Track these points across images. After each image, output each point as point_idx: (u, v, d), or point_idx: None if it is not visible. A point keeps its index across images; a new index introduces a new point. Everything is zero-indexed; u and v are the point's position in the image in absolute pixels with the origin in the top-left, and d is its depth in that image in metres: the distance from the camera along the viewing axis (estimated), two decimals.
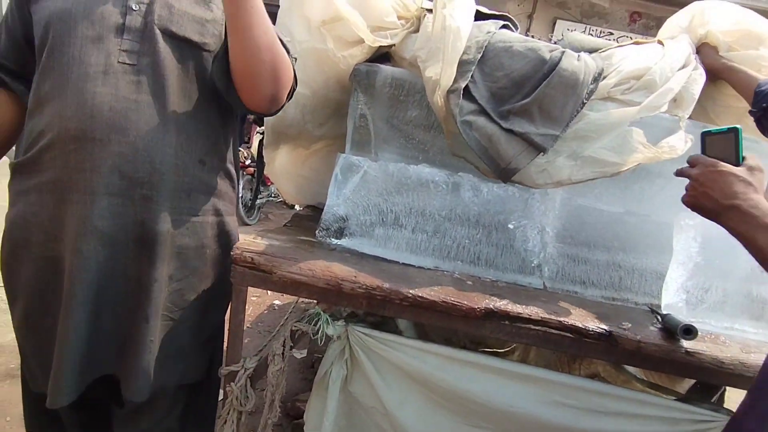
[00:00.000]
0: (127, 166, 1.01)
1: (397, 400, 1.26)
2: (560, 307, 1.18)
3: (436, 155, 1.39)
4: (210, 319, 1.24)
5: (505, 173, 1.15)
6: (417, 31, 1.35)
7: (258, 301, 3.38)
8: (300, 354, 2.71)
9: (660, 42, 1.32)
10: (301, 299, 2.07)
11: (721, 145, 0.85)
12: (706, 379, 1.26)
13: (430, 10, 1.30)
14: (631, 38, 6.41)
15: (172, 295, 1.12)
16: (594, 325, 1.11)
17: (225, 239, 1.21)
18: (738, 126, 0.84)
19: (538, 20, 6.85)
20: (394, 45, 1.38)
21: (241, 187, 5.14)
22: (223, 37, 1.08)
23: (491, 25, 1.25)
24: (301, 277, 1.13)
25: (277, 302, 3.39)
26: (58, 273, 1.05)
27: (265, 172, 4.64)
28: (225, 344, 1.27)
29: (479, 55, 1.17)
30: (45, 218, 1.03)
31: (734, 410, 1.21)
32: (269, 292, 3.50)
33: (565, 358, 1.81)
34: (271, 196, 6.05)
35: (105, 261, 1.04)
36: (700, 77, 1.25)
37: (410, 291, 1.10)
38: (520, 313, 1.11)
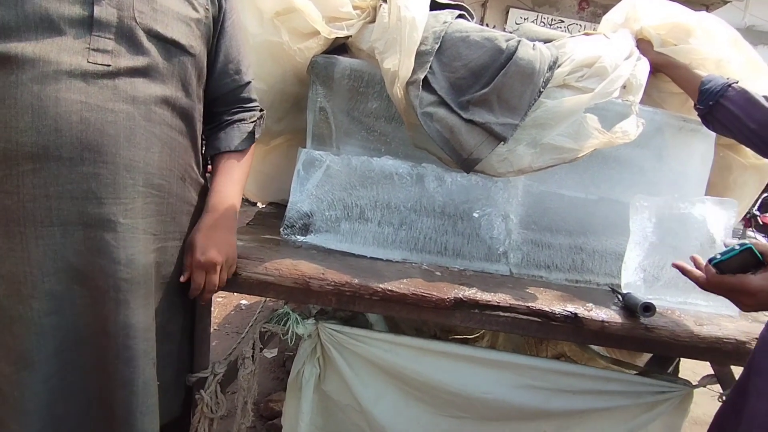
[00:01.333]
0: (105, 191, 0.85)
1: (372, 396, 1.25)
2: (527, 292, 1.21)
3: (398, 147, 1.39)
4: (188, 346, 1.15)
5: (467, 163, 1.16)
6: (373, 21, 1.33)
7: (224, 302, 3.30)
8: (270, 354, 2.68)
9: (605, 35, 1.36)
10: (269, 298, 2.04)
11: (738, 260, 0.86)
12: (664, 353, 1.32)
13: (385, 0, 1.28)
14: (580, 26, 6.62)
15: (156, 333, 0.98)
16: (560, 308, 1.14)
17: None
18: (750, 244, 0.85)
19: (492, 8, 6.94)
20: (351, 36, 1.35)
21: None
22: (209, 39, 1.00)
23: (447, 15, 1.25)
24: (267, 278, 1.11)
25: (244, 302, 3.32)
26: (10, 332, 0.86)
27: None
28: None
29: (437, 46, 1.16)
30: None
31: (688, 379, 1.29)
32: (235, 292, 3.42)
33: (532, 341, 1.85)
34: None
35: (85, 306, 0.88)
36: (645, 66, 1.30)
37: (379, 285, 1.10)
38: (489, 301, 1.12)
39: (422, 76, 1.15)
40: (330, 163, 1.28)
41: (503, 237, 1.34)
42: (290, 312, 1.18)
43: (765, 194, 6.25)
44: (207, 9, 1.00)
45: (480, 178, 1.30)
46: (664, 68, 1.37)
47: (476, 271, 1.32)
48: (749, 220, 6.10)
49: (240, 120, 1.12)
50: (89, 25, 0.84)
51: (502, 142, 1.16)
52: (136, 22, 0.87)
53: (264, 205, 2.00)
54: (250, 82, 1.14)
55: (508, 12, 6.90)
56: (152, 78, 0.90)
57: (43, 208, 0.83)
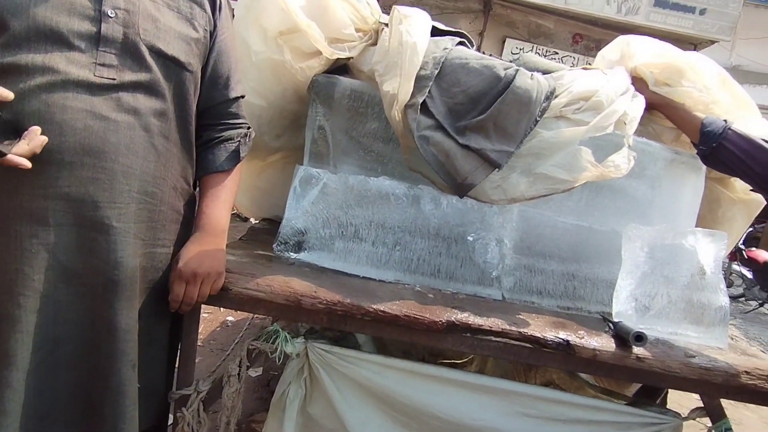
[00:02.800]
0: (102, 195, 0.89)
1: (358, 420, 1.23)
2: (519, 318, 1.20)
3: (395, 168, 1.39)
4: (172, 355, 1.15)
5: (461, 189, 1.17)
6: (375, 44, 1.36)
7: (210, 317, 3.24)
8: (255, 372, 2.62)
9: (602, 71, 1.39)
10: (256, 315, 2.00)
11: None
12: (655, 383, 1.31)
13: (387, 24, 1.31)
14: (574, 58, 6.79)
15: (140, 335, 1.00)
16: (552, 334, 1.13)
17: None
18: None
19: (489, 38, 7.11)
20: (353, 57, 1.37)
21: None
22: (204, 56, 1.04)
23: (448, 42, 1.27)
24: (258, 293, 1.09)
25: (230, 318, 3.26)
26: None
27: None
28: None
29: (436, 71, 1.18)
30: None
31: (678, 411, 1.29)
32: (222, 308, 3.37)
33: (521, 367, 1.84)
34: None
35: (68, 304, 0.91)
36: (641, 103, 1.33)
37: (372, 306, 1.09)
38: (481, 325, 1.11)
39: (421, 100, 1.16)
40: (327, 181, 1.29)
41: (497, 261, 1.34)
42: (280, 330, 1.16)
43: (750, 229, 6.36)
44: (206, 29, 1.04)
45: (475, 202, 1.31)
46: (660, 108, 1.41)
47: (469, 294, 1.31)
48: (734, 254, 6.19)
49: (227, 139, 1.14)
50: (96, 40, 0.89)
51: (497, 169, 1.17)
52: (140, 38, 0.92)
53: (257, 221, 1.99)
54: (239, 98, 1.16)
55: (504, 42, 7.06)
56: (153, 92, 0.95)
57: (40, 208, 0.86)
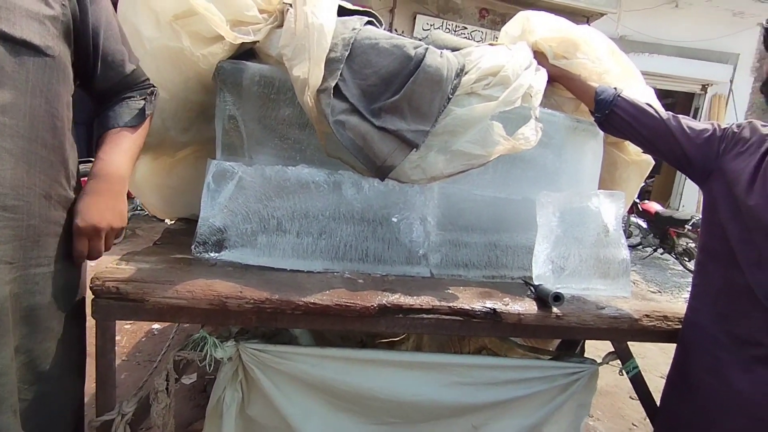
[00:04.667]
0: None
1: (300, 414, 1.21)
2: (448, 292, 1.24)
3: (314, 154, 1.36)
4: (73, 383, 1.03)
5: (381, 171, 1.16)
6: (281, 25, 1.29)
7: (133, 328, 3.02)
8: (189, 379, 2.49)
9: (506, 47, 1.44)
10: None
11: None
12: (574, 337, 1.43)
13: (291, 4, 1.25)
14: (482, 32, 7.02)
15: (21, 371, 0.88)
16: (480, 305, 1.18)
17: (78, 282, 1.01)
18: None
19: (400, 14, 7.12)
20: (258, 41, 1.30)
21: None
22: (70, 36, 0.91)
23: (356, 22, 1.25)
24: (179, 301, 1.03)
25: (156, 326, 3.07)
26: None
27: None
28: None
29: (347, 53, 1.16)
30: None
31: (594, 358, 1.42)
32: (144, 321, 3.15)
33: (455, 337, 1.92)
34: (136, 209, 5.45)
35: None
36: (543, 75, 1.40)
37: (302, 299, 1.06)
38: (412, 305, 1.13)
39: (333, 84, 1.13)
40: (242, 174, 1.22)
41: (422, 239, 1.37)
42: (207, 336, 1.10)
43: (643, 184, 7.07)
44: (63, 4, 0.90)
45: (397, 183, 1.32)
46: (560, 79, 1.50)
47: (398, 275, 1.33)
48: (631, 208, 6.87)
49: (129, 97, 1.07)
50: None
51: (415, 149, 1.18)
52: None
53: (172, 222, 1.86)
54: (136, 68, 1.07)
55: (415, 18, 7.12)
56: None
57: None
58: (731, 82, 8.60)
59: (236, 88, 1.30)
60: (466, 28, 7.10)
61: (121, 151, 1.02)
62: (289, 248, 1.25)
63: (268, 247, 1.24)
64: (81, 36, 0.95)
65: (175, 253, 1.28)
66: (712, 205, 1.15)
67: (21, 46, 0.82)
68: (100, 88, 1.04)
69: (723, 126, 1.21)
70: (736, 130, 1.17)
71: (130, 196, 5.27)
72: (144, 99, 1.07)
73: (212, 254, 1.21)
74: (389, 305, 1.12)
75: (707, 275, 1.16)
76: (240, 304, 1.04)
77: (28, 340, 0.89)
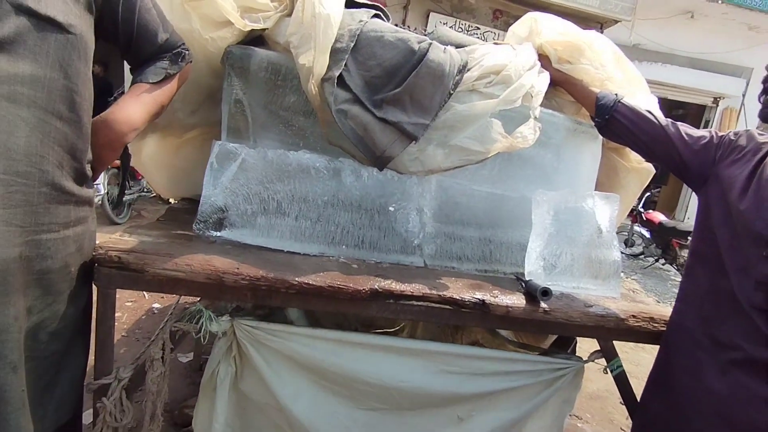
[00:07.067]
0: None
1: (290, 393, 1.25)
2: (439, 282, 1.27)
3: (317, 141, 1.39)
4: (80, 346, 1.07)
5: (380, 161, 1.19)
6: (290, 14, 1.32)
7: (134, 306, 3.08)
8: (186, 358, 2.55)
9: (512, 46, 1.47)
10: (183, 299, 1.94)
11: None
12: (560, 333, 1.46)
13: None
14: (495, 33, 7.01)
15: (34, 330, 0.93)
16: (469, 295, 1.21)
17: (90, 251, 1.05)
18: None
19: (413, 11, 7.14)
20: (267, 29, 1.33)
21: (106, 182, 4.61)
22: (93, 14, 0.95)
23: (363, 14, 1.28)
24: (178, 273, 1.06)
25: (156, 305, 3.13)
26: None
27: (132, 164, 4.22)
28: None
29: (352, 44, 1.18)
30: None
31: (580, 356, 1.44)
32: (147, 295, 3.21)
33: (449, 330, 1.95)
34: (143, 191, 5.52)
35: None
36: (546, 78, 1.43)
37: (296, 278, 1.10)
38: (403, 291, 1.17)
39: (337, 74, 1.16)
40: (245, 156, 1.26)
41: (418, 230, 1.40)
42: (203, 309, 1.14)
43: (648, 193, 7.06)
44: None
45: (396, 173, 1.35)
46: (562, 84, 1.52)
47: (392, 263, 1.36)
48: (636, 217, 6.86)
49: (159, 59, 1.12)
50: None
51: (414, 141, 1.21)
52: None
53: (177, 201, 1.90)
54: (169, 36, 1.12)
55: (428, 16, 7.13)
56: (19, 55, 0.83)
57: None
58: (743, 96, 8.55)
59: (244, 72, 1.33)
60: (479, 28, 7.12)
61: (136, 98, 1.07)
62: (287, 231, 1.29)
63: (267, 229, 1.27)
64: (111, 12, 1.00)
65: (177, 229, 1.32)
66: (706, 211, 1.17)
67: (45, 23, 0.85)
68: (137, 59, 1.10)
69: (720, 134, 1.23)
70: (732, 137, 1.19)
71: (137, 176, 5.36)
72: (169, 59, 1.11)
73: (213, 232, 1.25)
74: (381, 290, 1.15)
75: (695, 279, 1.19)
76: (236, 280, 1.07)
77: (40, 301, 0.93)
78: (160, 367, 1.14)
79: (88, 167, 1.00)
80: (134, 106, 1.06)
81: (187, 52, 1.15)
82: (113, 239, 1.13)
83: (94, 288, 1.07)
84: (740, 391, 1.02)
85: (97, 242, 1.07)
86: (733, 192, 1.10)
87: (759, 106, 1.24)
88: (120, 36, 1.04)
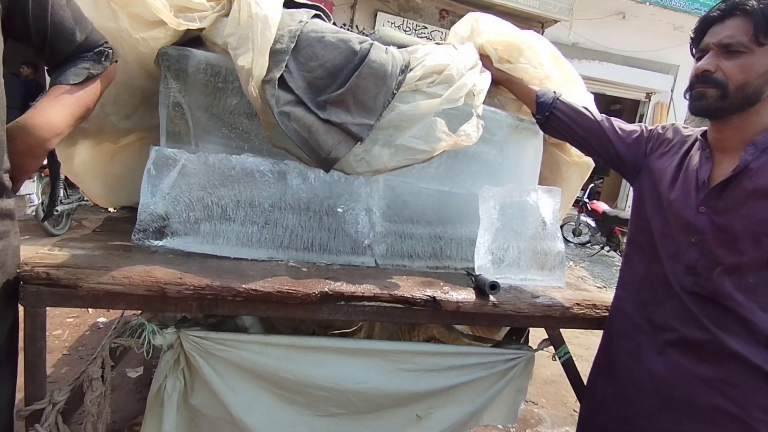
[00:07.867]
0: None
1: (244, 404, 1.21)
2: (391, 281, 1.27)
3: (262, 144, 1.36)
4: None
5: (326, 163, 1.18)
6: (228, 14, 1.28)
7: (77, 321, 2.90)
8: (135, 372, 2.43)
9: (453, 46, 1.49)
10: (130, 311, 1.84)
11: None
12: (510, 324, 1.50)
13: None
14: (442, 32, 7.13)
15: None
16: (420, 293, 1.22)
17: (14, 268, 0.97)
18: None
19: (361, 11, 7.14)
20: (204, 29, 1.29)
21: (40, 191, 4.32)
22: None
23: (303, 14, 1.26)
24: (115, 287, 1.01)
25: (102, 319, 2.95)
26: None
27: (63, 172, 3.96)
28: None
29: (292, 45, 1.17)
30: None
31: (534, 346, 1.49)
32: (90, 309, 3.03)
33: (405, 328, 1.96)
34: (82, 200, 5.21)
35: None
36: (487, 77, 1.46)
37: (243, 285, 1.07)
38: (354, 292, 1.16)
39: (278, 75, 1.14)
40: (185, 161, 1.21)
41: (367, 230, 1.40)
42: (145, 322, 1.09)
43: (592, 184, 7.42)
44: None
45: (343, 174, 1.34)
46: (503, 82, 1.57)
47: (343, 264, 1.35)
48: (581, 207, 7.19)
49: (79, 59, 1.05)
50: None
51: (359, 142, 1.20)
52: None
53: (115, 210, 1.81)
54: (88, 35, 1.06)
55: (376, 16, 7.15)
56: None
57: None
58: (672, 91, 9.15)
59: (181, 75, 1.28)
60: (426, 27, 7.21)
61: (56, 100, 0.99)
62: (234, 236, 1.25)
63: (212, 235, 1.23)
64: (20, 9, 0.93)
65: (114, 240, 1.25)
66: (640, 201, 1.24)
67: None
68: (55, 59, 1.04)
69: (650, 128, 1.31)
70: (660, 131, 1.27)
71: (74, 185, 5.04)
72: (91, 59, 1.05)
73: (153, 242, 1.19)
74: (331, 292, 1.14)
75: (633, 266, 1.25)
76: (179, 290, 1.03)
77: None
78: (100, 386, 1.07)
79: (6, 177, 0.92)
80: (55, 109, 0.99)
81: (110, 51, 1.09)
82: (41, 254, 1.05)
83: (21, 307, 1.00)
84: (676, 370, 1.09)
85: (21, 258, 1.00)
86: (663, 183, 1.17)
87: (686, 102, 1.34)
88: (32, 35, 0.97)
